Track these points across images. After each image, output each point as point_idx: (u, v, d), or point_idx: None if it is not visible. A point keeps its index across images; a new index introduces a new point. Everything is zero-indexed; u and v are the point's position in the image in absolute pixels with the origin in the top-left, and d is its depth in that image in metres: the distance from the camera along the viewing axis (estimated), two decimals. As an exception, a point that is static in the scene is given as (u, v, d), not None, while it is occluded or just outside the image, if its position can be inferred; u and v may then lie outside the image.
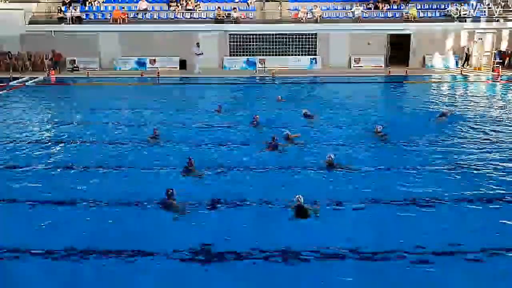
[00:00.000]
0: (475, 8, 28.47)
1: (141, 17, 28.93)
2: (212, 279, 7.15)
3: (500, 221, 8.79)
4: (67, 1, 29.16)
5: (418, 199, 9.60)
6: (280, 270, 7.35)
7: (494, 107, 18.60)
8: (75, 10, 28.50)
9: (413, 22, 28.17)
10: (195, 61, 26.93)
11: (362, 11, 28.79)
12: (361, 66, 28.25)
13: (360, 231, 8.41)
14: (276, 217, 8.90)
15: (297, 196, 8.77)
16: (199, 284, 7.09)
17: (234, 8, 28.75)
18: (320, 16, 28.50)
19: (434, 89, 23.16)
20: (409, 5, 29.02)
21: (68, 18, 28.12)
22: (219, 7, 28.88)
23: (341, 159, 11.64)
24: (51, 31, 27.80)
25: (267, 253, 7.63)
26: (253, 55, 28.29)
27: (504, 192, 10.00)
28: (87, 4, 29.57)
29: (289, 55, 28.53)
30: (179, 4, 29.28)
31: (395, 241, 7.97)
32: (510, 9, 29.04)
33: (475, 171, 11.23)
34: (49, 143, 13.86)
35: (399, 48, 28.46)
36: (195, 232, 8.36)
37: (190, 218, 8.88)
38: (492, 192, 9.98)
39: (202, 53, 26.82)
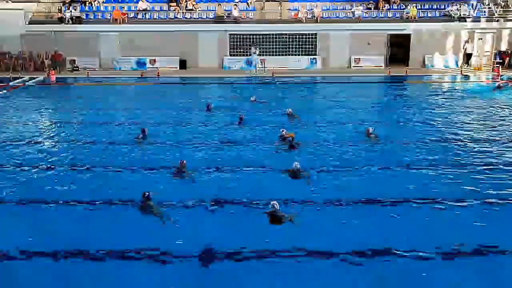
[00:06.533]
0: (475, 8, 28.48)
1: (141, 17, 28.95)
2: (196, 280, 7.15)
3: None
4: (67, 1, 29.19)
5: (411, 199, 9.60)
6: (274, 270, 7.37)
7: (494, 107, 18.58)
8: (75, 10, 28.51)
9: (413, 22, 28.19)
10: (255, 62, 27.25)
11: (362, 11, 28.81)
12: (361, 66, 28.25)
13: (350, 232, 8.39)
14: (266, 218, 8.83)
15: (273, 202, 8.62)
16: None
17: (235, 5, 28.76)
18: (320, 16, 28.52)
19: (434, 89, 23.15)
20: (409, 5, 29.02)
21: (68, 18, 28.14)
22: (219, 4, 28.94)
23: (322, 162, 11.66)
24: (51, 31, 27.84)
25: (260, 254, 7.64)
26: (249, 55, 28.22)
27: (501, 192, 9.99)
28: (87, 4, 29.59)
29: (289, 55, 28.54)
30: (179, 4, 29.29)
31: (391, 241, 7.98)
32: (510, 9, 29.05)
33: (472, 171, 11.20)
34: (49, 143, 13.87)
35: (399, 48, 28.46)
36: (181, 234, 8.32)
37: (182, 220, 8.84)
38: (488, 192, 9.96)
39: (256, 53, 27.22)
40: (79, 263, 7.51)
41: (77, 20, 28.33)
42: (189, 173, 10.89)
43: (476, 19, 28.36)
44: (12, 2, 29.20)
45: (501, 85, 22.19)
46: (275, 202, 8.62)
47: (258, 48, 27.63)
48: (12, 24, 27.46)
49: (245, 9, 29.62)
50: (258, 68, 27.18)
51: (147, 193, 9.18)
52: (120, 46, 28.21)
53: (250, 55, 27.82)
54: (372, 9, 29.30)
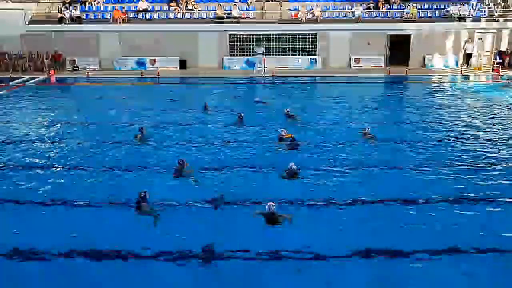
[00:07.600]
0: (475, 8, 28.47)
1: (141, 17, 28.96)
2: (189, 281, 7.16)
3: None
4: (67, 1, 29.19)
5: (410, 199, 9.61)
6: (274, 271, 7.37)
7: (494, 106, 18.59)
8: (75, 10, 28.51)
9: (413, 22, 28.19)
10: (258, 61, 27.16)
11: (362, 11, 28.80)
12: (361, 66, 28.23)
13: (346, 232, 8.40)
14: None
15: (270, 203, 8.60)
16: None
17: (235, 5, 28.74)
18: (320, 16, 28.51)
19: (434, 89, 23.16)
20: (409, 5, 29.02)
21: (68, 18, 28.14)
22: (219, 4, 28.93)
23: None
24: (51, 31, 27.83)
25: (260, 254, 7.65)
26: (253, 55, 28.27)
27: (499, 191, 10.00)
28: (87, 4, 29.59)
29: (289, 55, 28.54)
30: (179, 4, 29.29)
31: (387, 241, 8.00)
32: (510, 9, 29.04)
33: (471, 171, 11.20)
34: (48, 143, 13.85)
35: (399, 48, 28.46)
36: (181, 234, 8.32)
37: (182, 220, 8.85)
38: (486, 192, 9.97)
39: (263, 53, 27.08)
40: (77, 263, 7.51)
41: (77, 20, 28.32)
42: (189, 171, 10.88)
43: (476, 19, 28.34)
44: (12, 2, 29.21)
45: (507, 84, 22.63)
46: (271, 203, 8.62)
47: (263, 47, 27.51)
48: (12, 24, 27.43)
49: (245, 9, 29.61)
50: (258, 68, 27.16)
51: (144, 193, 9.16)
52: (120, 46, 28.22)
53: (251, 55, 27.66)
54: (372, 9, 29.28)
